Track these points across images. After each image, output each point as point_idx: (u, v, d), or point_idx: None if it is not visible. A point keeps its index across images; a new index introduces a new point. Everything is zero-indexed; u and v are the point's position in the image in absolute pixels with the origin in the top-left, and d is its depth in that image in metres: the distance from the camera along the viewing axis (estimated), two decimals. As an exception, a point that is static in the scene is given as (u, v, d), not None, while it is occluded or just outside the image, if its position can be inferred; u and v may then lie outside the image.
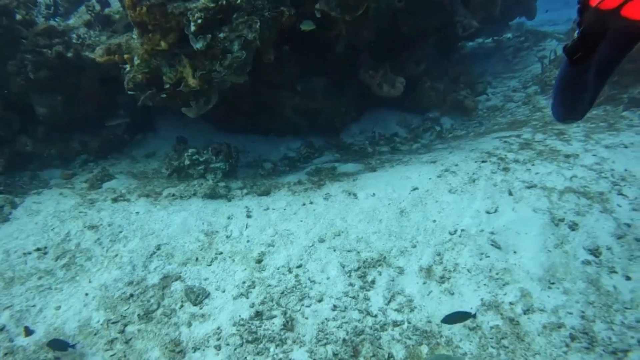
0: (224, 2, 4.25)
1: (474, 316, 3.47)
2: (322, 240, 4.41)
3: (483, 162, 5.23)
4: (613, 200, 4.30)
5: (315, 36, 6.15)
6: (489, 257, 4.01)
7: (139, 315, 3.75)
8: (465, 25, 6.79)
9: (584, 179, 4.69)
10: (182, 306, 3.89)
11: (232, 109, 6.67)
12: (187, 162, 5.86)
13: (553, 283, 3.68)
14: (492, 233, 4.19)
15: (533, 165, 5.04)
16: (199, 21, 4.21)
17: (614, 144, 5.15)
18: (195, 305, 3.90)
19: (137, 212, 4.95)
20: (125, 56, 4.72)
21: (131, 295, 3.95)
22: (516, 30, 13.06)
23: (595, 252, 3.84)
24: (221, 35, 4.47)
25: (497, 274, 3.86)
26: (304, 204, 4.91)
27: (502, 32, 13.09)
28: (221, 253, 4.44)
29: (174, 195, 5.32)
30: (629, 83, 6.65)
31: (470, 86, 8.49)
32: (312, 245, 4.39)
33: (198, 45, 4.39)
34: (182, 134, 6.93)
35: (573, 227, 4.12)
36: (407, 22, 6.42)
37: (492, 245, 4.09)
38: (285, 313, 3.77)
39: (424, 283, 3.90)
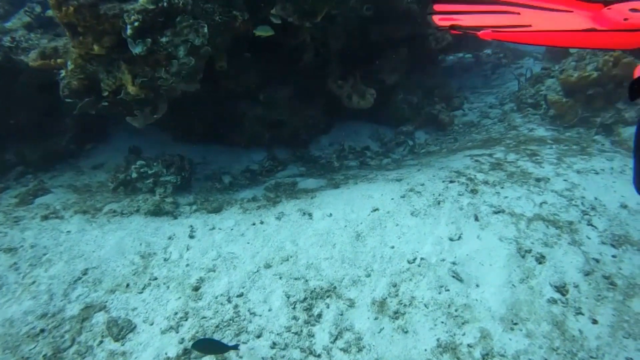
0: (165, 3, 3.84)
1: (235, 348, 3.24)
2: (268, 266, 3.98)
3: (451, 182, 4.90)
4: (582, 231, 4.00)
5: (279, 43, 5.78)
6: (448, 290, 3.64)
7: (45, 355, 3.24)
8: (439, 38, 6.52)
9: (554, 205, 4.39)
10: (101, 342, 3.39)
11: (190, 119, 6.23)
12: (134, 174, 5.37)
13: (516, 324, 3.32)
14: (454, 263, 3.82)
15: (502, 188, 4.73)
16: (136, 24, 3.79)
17: (585, 169, 4.90)
18: (116, 340, 3.41)
19: (68, 232, 4.43)
20: (59, 61, 4.25)
21: (42, 330, 3.44)
22: (496, 46, 13.00)
23: (562, 289, 3.51)
24: (164, 39, 4.06)
25: (456, 310, 3.49)
26: (253, 224, 4.48)
27: (482, 47, 13.03)
28: (156, 279, 3.96)
29: (114, 211, 4.82)
30: (599, 106, 6.47)
31: (446, 100, 8.23)
32: (257, 271, 3.95)
33: (137, 50, 3.96)
34: (137, 144, 6.45)
35: (540, 260, 3.79)
36: (377, 30, 6.11)
37: (453, 277, 3.72)
38: (217, 352, 3.31)
39: (376, 318, 3.50)
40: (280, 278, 3.87)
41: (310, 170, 6.50)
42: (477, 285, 3.66)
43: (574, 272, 3.65)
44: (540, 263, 3.78)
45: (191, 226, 4.49)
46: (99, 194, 5.35)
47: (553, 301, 3.48)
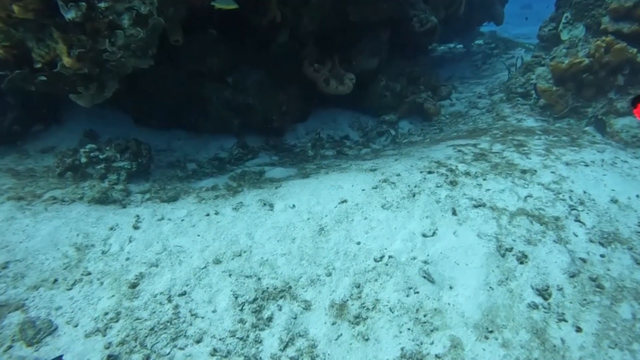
0: (103, -43, 3.34)
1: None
2: (218, 262, 3.52)
3: (429, 172, 4.47)
4: (569, 227, 3.59)
5: (249, 22, 5.30)
6: (418, 292, 3.21)
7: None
8: (423, 20, 6.07)
9: (540, 199, 3.98)
10: (9, 348, 2.92)
11: (152, 101, 5.72)
12: (83, 159, 4.86)
13: (491, 331, 2.91)
14: (425, 262, 3.40)
15: (485, 180, 4.31)
16: (68, -19, 3.28)
17: (574, 160, 4.50)
18: (29, 345, 2.94)
19: (-5, 218, 3.93)
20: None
21: (-62, 332, 2.95)
22: (488, 37, 12.60)
23: (544, 293, 3.10)
24: (102, 4, 3.55)
25: (425, 315, 3.07)
26: (207, 215, 4.02)
27: (474, 38, 12.62)
28: (89, 273, 3.48)
29: (55, 198, 4.32)
30: (590, 96, 6.07)
31: (433, 89, 7.79)
32: (205, 267, 3.49)
33: (69, 15, 3.45)
34: (95, 127, 5.93)
35: (522, 259, 3.37)
36: (355, 11, 5.64)
37: (424, 277, 3.30)
38: (147, 358, 2.87)
39: (334, 323, 3.06)
40: (230, 275, 3.41)
41: (283, 159, 6.04)
42: (451, 287, 3.24)
43: (558, 274, 3.24)
44: (521, 263, 3.37)
45: (137, 216, 4.01)
46: (43, 180, 4.84)
47: (534, 306, 3.07)
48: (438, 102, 7.83)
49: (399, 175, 4.43)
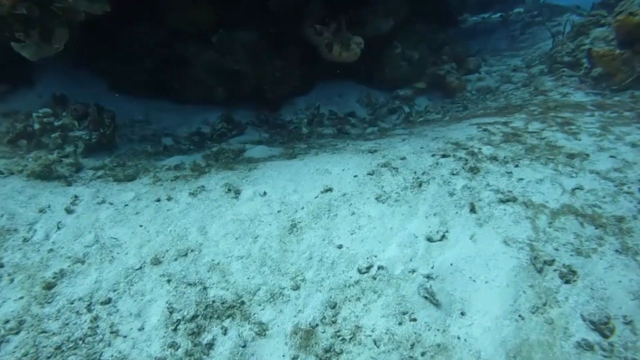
0: None
1: None
2: (157, 262, 2.73)
3: (443, 156, 3.48)
4: (639, 232, 2.55)
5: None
6: (415, 320, 2.30)
7: None
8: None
9: (594, 193, 2.93)
10: None
11: (130, 63, 4.95)
12: (36, 125, 4.17)
13: (518, 388, 1.98)
14: (428, 277, 2.47)
15: (517, 166, 3.28)
16: None
17: (645, 141, 3.38)
18: None
19: None
20: None
21: None
22: (531, 4, 11.06)
23: (602, 327, 2.12)
24: None
25: (423, 354, 2.16)
26: (157, 200, 3.21)
27: (514, 7, 11.13)
28: (1, 266, 2.78)
29: (-9, 172, 3.65)
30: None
31: (458, 61, 6.64)
32: (141, 267, 2.71)
33: None
34: (68, 91, 5.23)
35: (567, 276, 2.38)
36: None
37: (425, 297, 2.38)
38: (39, 394, 2.13)
39: (294, 358, 2.21)
40: (169, 281, 2.61)
41: (274, 137, 5.16)
42: (462, 314, 2.31)
43: (624, 299, 2.24)
44: (567, 282, 2.39)
45: (76, 196, 3.26)
46: (-9, 151, 4.19)
47: (587, 346, 2.10)
48: (464, 76, 6.69)
49: (403, 158, 3.47)
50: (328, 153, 3.88)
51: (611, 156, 3.35)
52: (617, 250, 2.47)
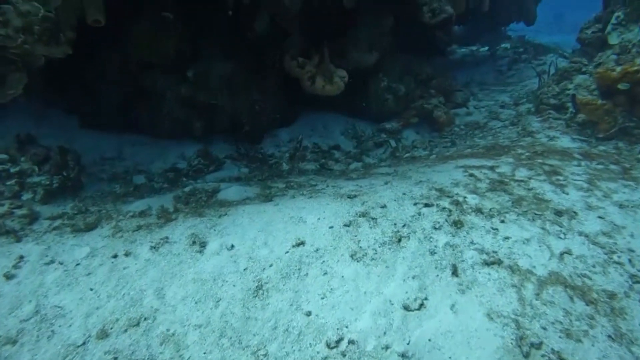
0: None
1: None
2: (104, 335, 2.43)
3: (426, 205, 3.28)
4: (633, 312, 2.35)
5: (213, 3, 4.24)
6: (387, 408, 2.04)
7: None
8: (435, 9, 4.87)
9: (584, 260, 2.75)
10: None
11: (98, 97, 4.73)
12: (-11, 172, 3.88)
13: None
14: (403, 356, 2.22)
15: (503, 222, 3.09)
16: None
17: (631, 202, 3.25)
18: None
19: None
20: None
21: None
22: (516, 41, 11.21)
23: None
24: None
25: None
26: (114, 256, 2.93)
27: (500, 41, 11.27)
28: None
29: None
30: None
31: (446, 94, 6.56)
32: (84, 344, 2.40)
33: None
34: (34, 130, 4.96)
35: (556, 363, 2.15)
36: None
37: (400, 380, 2.12)
38: None
39: None
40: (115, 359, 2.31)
41: (253, 172, 4.93)
42: (441, 402, 2.06)
43: (619, 398, 2.01)
44: (555, 367, 2.16)
45: (21, 257, 2.95)
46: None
47: None
48: (451, 110, 6.60)
49: (384, 207, 3.26)
50: (305, 196, 3.66)
51: (599, 217, 3.19)
52: (609, 336, 2.26)
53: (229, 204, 3.70)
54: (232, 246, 2.95)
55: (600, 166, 4.23)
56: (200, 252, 2.93)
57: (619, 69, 4.93)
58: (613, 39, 6.04)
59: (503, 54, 10.37)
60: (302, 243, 2.90)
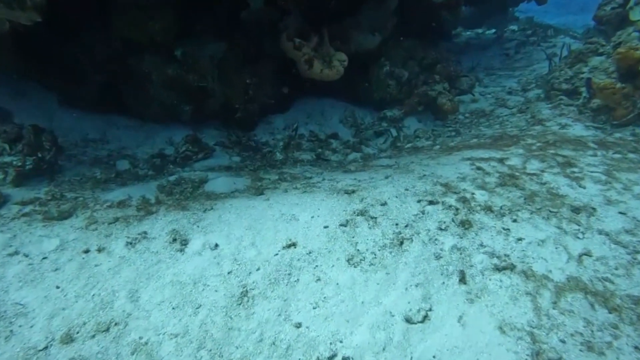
0: None
1: None
2: (68, 340, 2.17)
3: (431, 203, 3.00)
4: (667, 328, 2.09)
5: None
6: None
7: None
8: (444, -16, 4.49)
9: (605, 262, 2.48)
10: None
11: (80, 76, 4.39)
12: (-43, 150, 3.58)
13: None
14: (404, 374, 1.97)
15: (515, 221, 2.82)
16: None
17: (661, 197, 2.95)
18: None
19: None
20: None
21: None
22: (525, 23, 10.77)
23: None
24: None
25: None
26: (86, 251, 2.66)
27: (508, 23, 10.82)
28: None
29: None
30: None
31: (451, 80, 6.21)
32: (46, 347, 2.15)
33: None
34: (12, 106, 4.63)
35: (578, 386, 1.90)
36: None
37: (400, 403, 1.87)
38: None
39: None
40: (81, 369, 2.06)
41: (245, 161, 4.63)
42: None
43: None
44: (575, 387, 1.91)
45: None
46: None
47: None
48: (456, 96, 6.26)
49: (384, 204, 2.97)
50: (299, 190, 3.37)
51: (621, 212, 2.91)
52: (636, 347, 2.00)
53: (216, 197, 3.41)
54: (216, 245, 2.68)
55: (617, 155, 3.93)
56: (181, 250, 2.65)
57: (643, 49, 4.56)
58: (635, 15, 5.66)
59: (510, 36, 9.94)
60: (294, 244, 2.63)
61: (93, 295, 2.38)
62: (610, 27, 6.26)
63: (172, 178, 3.86)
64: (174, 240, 2.73)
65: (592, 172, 3.53)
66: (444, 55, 6.13)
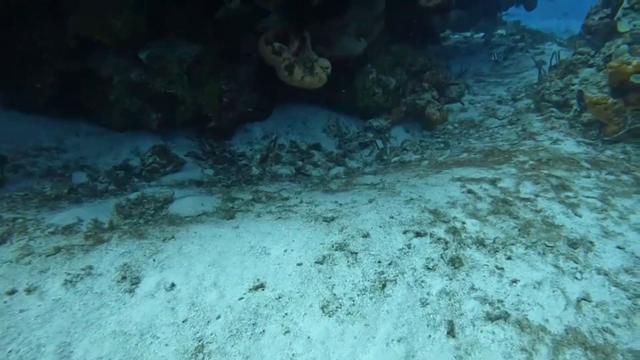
0: None
1: None
2: (-16, 413, 1.80)
3: (418, 235, 2.71)
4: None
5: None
6: None
7: None
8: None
9: (604, 308, 2.24)
10: None
11: (30, 74, 3.94)
12: None
13: None
14: None
15: (509, 258, 2.55)
16: None
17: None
18: None
19: None
20: None
21: None
22: (512, 27, 10.62)
23: None
24: None
25: None
26: (11, 292, 2.28)
27: (495, 27, 10.66)
28: None
29: None
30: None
31: (440, 88, 5.95)
32: None
33: None
34: None
35: None
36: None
37: None
38: None
39: None
40: None
41: (219, 175, 4.27)
42: None
43: None
44: None
45: None
46: None
47: None
48: (445, 104, 6.00)
49: (366, 236, 2.67)
50: (273, 216, 3.04)
51: (619, 247, 2.69)
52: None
53: (180, 221, 3.05)
54: (173, 285, 2.33)
55: (611, 177, 3.72)
56: (131, 291, 2.30)
57: (635, 61, 4.37)
58: (623, 26, 5.48)
59: (499, 41, 9.77)
60: (262, 286, 2.30)
61: (10, 351, 2.00)
62: (598, 37, 6.10)
63: (133, 196, 3.47)
64: (124, 278, 2.37)
65: (587, 197, 3.30)
66: (433, 62, 5.86)
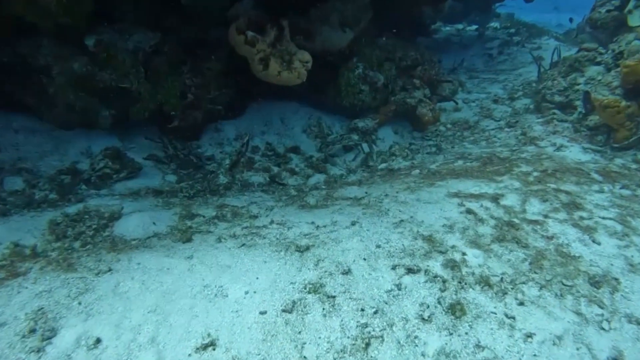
0: None
1: None
2: None
3: (410, 271, 2.23)
4: None
5: None
6: None
7: None
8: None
9: (649, 382, 1.79)
10: None
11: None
12: None
13: None
14: None
15: (522, 303, 2.09)
16: None
17: None
18: None
19: None
20: None
21: None
22: (506, 20, 10.19)
23: None
24: None
25: None
26: None
27: (489, 20, 10.21)
28: None
29: None
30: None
31: (432, 85, 5.47)
32: None
33: None
34: None
35: None
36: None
37: None
38: None
39: None
40: None
41: (182, 182, 3.72)
42: None
43: None
44: None
45: None
46: None
47: None
48: (437, 103, 5.53)
49: (347, 272, 2.18)
50: (237, 242, 2.52)
51: (651, 286, 2.26)
52: None
53: (123, 245, 2.51)
54: (98, 341, 1.80)
55: (626, 192, 3.32)
56: (39, 351, 1.76)
57: (654, 61, 3.94)
58: (634, 20, 5.05)
59: (493, 34, 9.33)
60: (213, 344, 1.79)
61: None
62: (604, 32, 5.66)
63: (72, 210, 2.91)
64: (33, 330, 1.83)
65: (603, 218, 2.87)
66: (425, 56, 5.36)
